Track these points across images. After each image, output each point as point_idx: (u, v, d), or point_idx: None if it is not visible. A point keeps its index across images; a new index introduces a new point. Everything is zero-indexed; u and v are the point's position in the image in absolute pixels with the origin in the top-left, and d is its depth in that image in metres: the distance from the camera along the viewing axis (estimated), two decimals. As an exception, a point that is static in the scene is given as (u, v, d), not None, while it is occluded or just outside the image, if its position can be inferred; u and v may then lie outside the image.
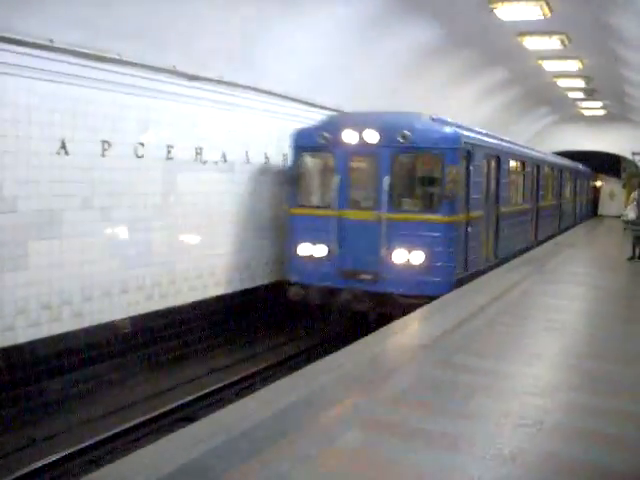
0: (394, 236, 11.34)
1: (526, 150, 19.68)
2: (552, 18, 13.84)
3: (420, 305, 9.81)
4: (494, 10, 13.53)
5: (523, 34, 15.91)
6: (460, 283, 11.57)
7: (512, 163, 16.86)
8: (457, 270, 11.78)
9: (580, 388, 6.24)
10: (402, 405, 5.55)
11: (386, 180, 11.55)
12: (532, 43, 16.78)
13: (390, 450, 4.63)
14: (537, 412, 5.46)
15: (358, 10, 12.96)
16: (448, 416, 5.32)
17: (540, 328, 8.64)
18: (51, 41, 8.57)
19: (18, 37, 8.15)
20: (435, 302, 10.06)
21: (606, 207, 40.49)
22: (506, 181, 15.63)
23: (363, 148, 11.85)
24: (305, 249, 12.18)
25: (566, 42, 16.22)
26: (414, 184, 12.62)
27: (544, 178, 21.81)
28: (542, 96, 26.70)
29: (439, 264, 11.35)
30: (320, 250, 12.05)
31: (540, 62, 19.43)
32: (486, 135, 14.74)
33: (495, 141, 15.35)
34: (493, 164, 14.66)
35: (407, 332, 8.12)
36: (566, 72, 20.92)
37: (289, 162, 13.19)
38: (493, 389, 6.06)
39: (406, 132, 11.39)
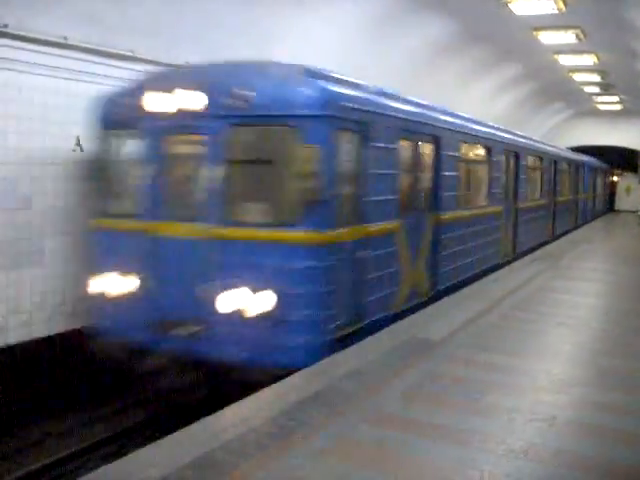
0: (228, 266, 6.96)
1: (492, 131, 14.07)
2: (567, 12, 13.79)
3: (269, 383, 5.99)
4: (508, 5, 13.50)
5: (538, 29, 15.85)
6: (344, 343, 7.22)
7: (465, 149, 12.22)
8: (337, 322, 7.26)
9: (593, 384, 6.22)
10: (416, 401, 5.56)
11: (214, 172, 7.18)
12: (547, 38, 16.72)
13: (405, 445, 4.65)
14: (549, 408, 5.45)
15: (371, 8, 12.96)
16: (461, 411, 5.32)
17: (554, 324, 8.61)
18: (65, 38, 8.63)
19: (32, 35, 8.22)
20: (449, 297, 10.03)
21: (623, 202, 40.29)
22: (452, 174, 10.96)
23: (183, 120, 7.36)
24: (106, 283, 7.81)
25: (581, 36, 16.14)
26: (262, 178, 7.39)
27: (529, 171, 17.43)
28: (557, 91, 26.57)
29: (301, 314, 6.85)
30: (128, 284, 7.67)
31: (555, 57, 19.35)
32: (408, 103, 9.70)
33: (427, 113, 10.24)
34: (425, 149, 10.11)
35: (418, 327, 8.11)
36: (582, 66, 20.83)
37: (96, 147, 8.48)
38: (506, 385, 6.05)
39: (245, 91, 6.95)
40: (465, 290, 10.71)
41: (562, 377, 6.34)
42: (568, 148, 28.71)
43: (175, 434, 4.68)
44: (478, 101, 21.58)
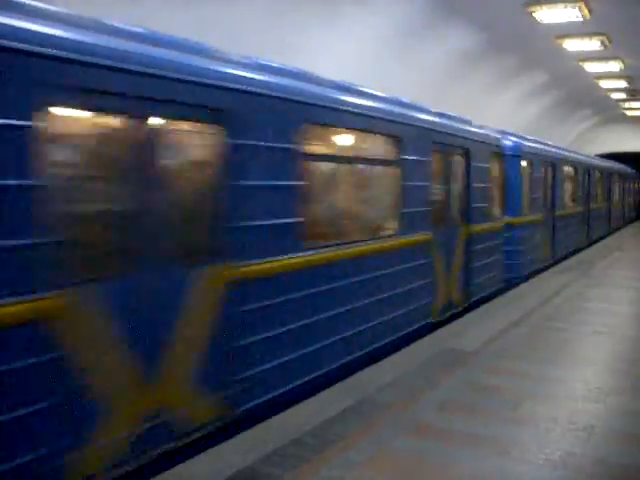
0: None
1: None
2: (592, 19, 13.75)
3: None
4: (533, 14, 13.51)
5: (562, 36, 15.81)
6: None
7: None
8: None
9: (630, 393, 6.16)
10: (452, 411, 5.57)
11: None
12: (572, 45, 16.67)
13: (443, 455, 4.67)
14: (588, 417, 5.43)
15: (396, 18, 13.02)
16: (498, 421, 5.32)
17: (588, 332, 8.55)
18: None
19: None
20: (481, 307, 10.03)
21: None
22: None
23: None
24: None
25: (607, 43, 16.07)
26: None
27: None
28: (583, 98, 26.42)
29: None
30: None
31: (581, 64, 19.27)
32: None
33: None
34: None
35: (452, 338, 8.10)
36: (607, 73, 20.72)
37: None
38: (542, 394, 6.03)
39: None
40: (497, 300, 10.68)
41: (598, 386, 6.30)
42: (596, 155, 28.42)
43: (217, 447, 4.75)
44: (504, 110, 21.54)
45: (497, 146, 11.99)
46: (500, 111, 21.04)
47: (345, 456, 4.59)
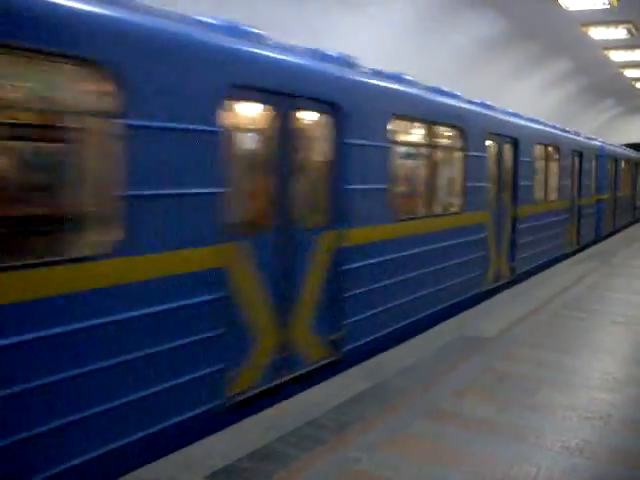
0: None
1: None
2: (619, 7, 13.61)
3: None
4: (558, 0, 13.39)
5: (588, 24, 15.66)
6: None
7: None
8: None
9: (649, 383, 6.16)
10: (470, 397, 5.59)
11: None
12: (597, 33, 16.51)
13: (460, 439, 4.70)
14: (604, 406, 5.42)
15: (420, 5, 12.95)
16: (515, 408, 5.34)
17: (607, 322, 8.52)
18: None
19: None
20: (499, 295, 10.02)
21: None
22: None
23: None
24: None
25: (633, 31, 15.89)
26: None
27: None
28: (608, 87, 26.16)
29: None
30: None
31: (606, 52, 19.06)
32: None
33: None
34: None
35: (470, 325, 8.11)
36: (633, 62, 20.49)
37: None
38: (559, 382, 6.04)
39: None
40: (514, 289, 10.65)
41: (616, 376, 6.29)
42: (622, 145, 28.09)
43: (236, 425, 4.81)
44: (527, 97, 21.37)
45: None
46: (523, 98, 20.88)
47: (363, 438, 4.64)
